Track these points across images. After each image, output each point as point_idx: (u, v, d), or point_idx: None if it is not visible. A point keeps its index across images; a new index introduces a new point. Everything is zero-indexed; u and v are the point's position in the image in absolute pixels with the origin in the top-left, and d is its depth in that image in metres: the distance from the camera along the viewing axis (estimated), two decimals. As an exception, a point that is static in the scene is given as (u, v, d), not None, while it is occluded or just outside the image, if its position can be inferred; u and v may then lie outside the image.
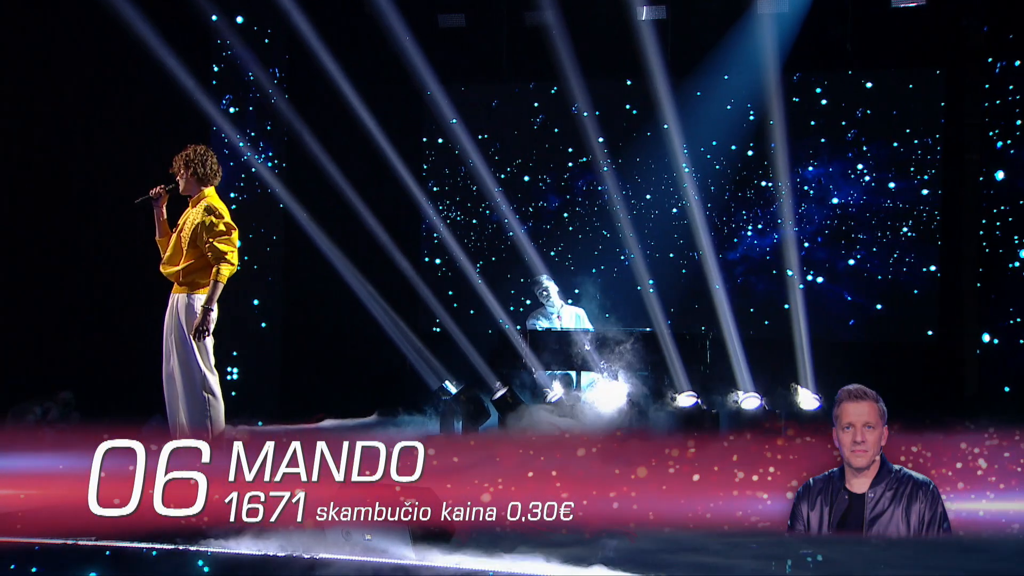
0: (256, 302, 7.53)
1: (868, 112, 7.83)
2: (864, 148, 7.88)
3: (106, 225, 5.80)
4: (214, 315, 4.34)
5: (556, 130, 8.47)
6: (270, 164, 7.49)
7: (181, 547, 3.29)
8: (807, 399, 5.35)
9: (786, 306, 7.31)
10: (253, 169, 7.50)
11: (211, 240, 4.32)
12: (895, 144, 7.80)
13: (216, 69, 7.34)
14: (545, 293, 6.47)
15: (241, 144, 7.41)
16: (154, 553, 3.27)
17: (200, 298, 4.35)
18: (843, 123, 7.91)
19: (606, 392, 5.52)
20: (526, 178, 8.57)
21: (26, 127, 5.69)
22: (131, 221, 4.89)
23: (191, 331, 4.29)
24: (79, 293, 5.90)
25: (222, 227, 4.36)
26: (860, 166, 7.91)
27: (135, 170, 4.66)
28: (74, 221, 5.87)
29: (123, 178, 4.78)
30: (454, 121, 7.86)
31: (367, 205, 7.32)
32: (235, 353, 7.29)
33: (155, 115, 6.27)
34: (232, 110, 7.38)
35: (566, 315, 6.63)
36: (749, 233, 8.20)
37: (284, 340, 7.63)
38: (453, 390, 5.95)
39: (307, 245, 7.35)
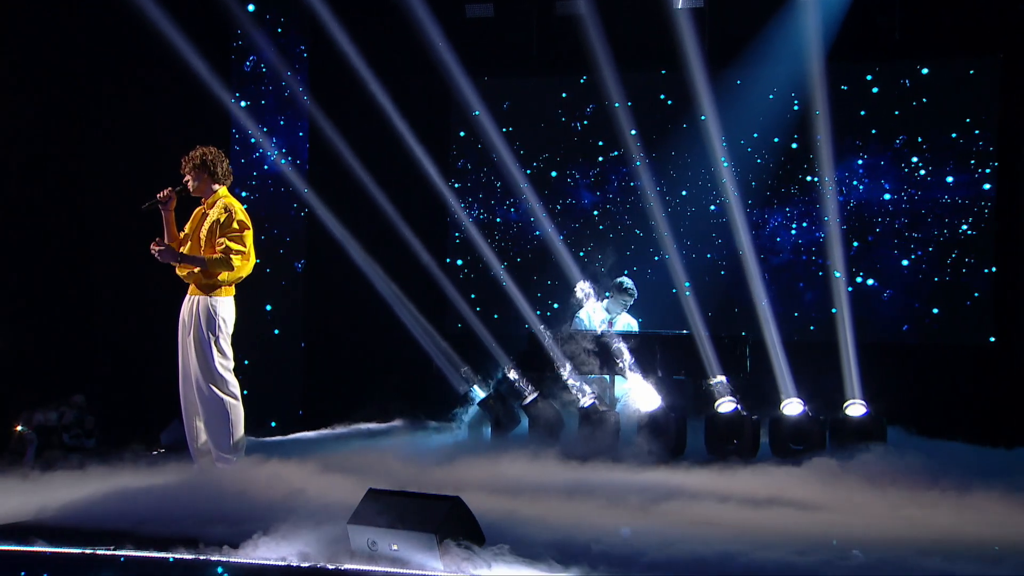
0: (269, 307, 7.68)
1: (923, 100, 7.79)
2: (919, 139, 7.83)
3: (116, 226, 5.98)
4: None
5: (585, 122, 8.56)
6: (284, 161, 7.64)
7: (201, 556, 3.44)
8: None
9: (833, 310, 7.32)
10: (266, 167, 7.68)
11: (223, 238, 4.56)
12: (953, 135, 7.76)
13: (232, 58, 7.50)
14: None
15: (253, 140, 7.59)
16: (171, 560, 3.41)
17: (219, 300, 4.56)
18: (896, 112, 7.88)
19: (641, 395, 5.63)
20: (554, 173, 8.67)
21: (37, 126, 5.89)
22: (141, 221, 5.07)
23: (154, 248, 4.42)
24: (93, 295, 6.10)
25: (235, 225, 4.60)
26: (914, 159, 7.87)
27: (146, 168, 4.85)
28: (84, 222, 6.07)
29: (135, 176, 4.97)
30: (476, 113, 7.99)
31: (390, 202, 7.44)
32: (247, 361, 7.47)
33: (165, 110, 6.45)
34: (244, 103, 7.53)
35: (618, 323, 6.79)
36: (793, 232, 8.22)
37: (305, 342, 7.74)
38: (481, 395, 6.08)
39: (328, 244, 7.47)
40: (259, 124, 7.50)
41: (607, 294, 7.01)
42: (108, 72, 6.32)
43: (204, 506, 3.89)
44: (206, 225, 4.65)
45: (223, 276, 4.55)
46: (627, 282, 6.93)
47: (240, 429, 4.63)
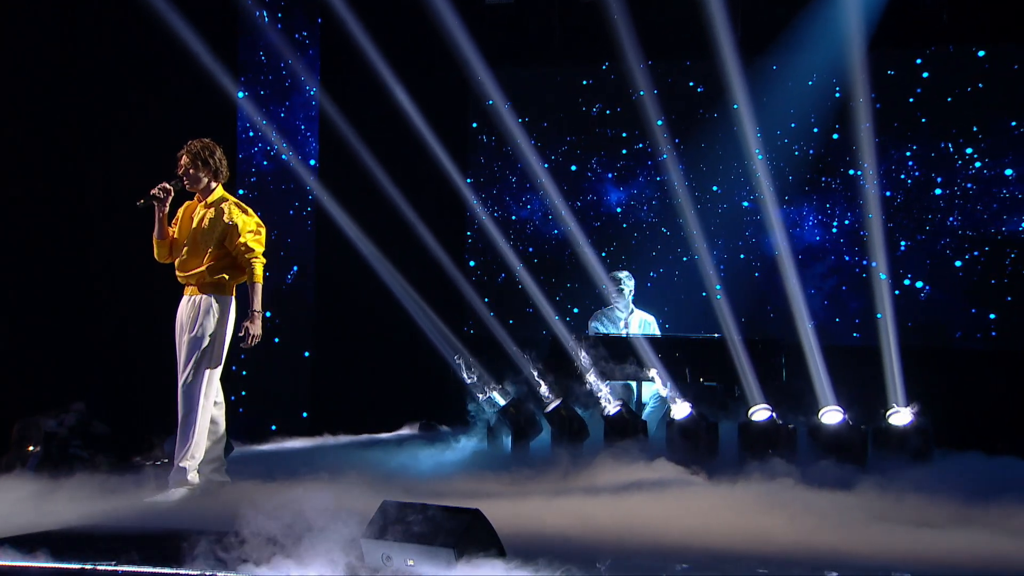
0: (268, 314, 7.86)
1: (979, 86, 7.87)
2: (974, 128, 7.92)
3: (117, 226, 6.15)
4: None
5: (607, 112, 8.72)
6: (285, 156, 7.79)
7: (207, 572, 3.62)
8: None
9: (878, 315, 7.42)
10: (265, 163, 7.87)
11: (243, 239, 4.77)
12: (1012, 123, 7.80)
13: (234, 46, 7.58)
14: (620, 291, 6.84)
15: (252, 134, 7.78)
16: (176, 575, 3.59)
17: (223, 300, 4.82)
18: (948, 99, 7.97)
19: (670, 402, 5.80)
20: (573, 167, 8.85)
21: (33, 122, 6.08)
22: (143, 220, 5.26)
23: (244, 337, 4.76)
24: (93, 298, 6.30)
25: (253, 225, 4.83)
26: (968, 150, 7.95)
27: (148, 164, 5.01)
28: (85, 222, 6.26)
29: (136, 173, 5.12)
30: (490, 102, 8.18)
31: (404, 198, 7.54)
32: (244, 372, 7.70)
33: (168, 104, 6.61)
34: (241, 94, 7.65)
35: (634, 321, 6.96)
36: (834, 229, 8.31)
37: (311, 347, 7.91)
38: (501, 402, 6.26)
39: (337, 243, 7.62)
40: (260, 117, 7.64)
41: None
42: (105, 64, 6.45)
43: (211, 520, 4.06)
44: (209, 224, 4.79)
45: (262, 271, 4.83)
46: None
47: (204, 438, 4.76)
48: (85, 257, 6.22)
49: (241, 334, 4.81)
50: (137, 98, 6.53)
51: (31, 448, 5.16)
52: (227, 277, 4.83)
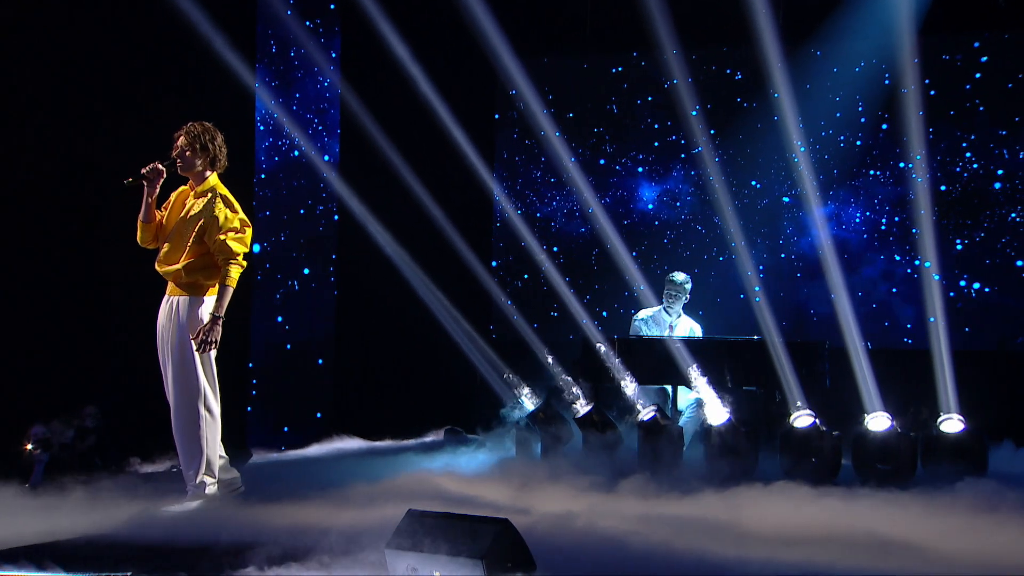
0: (280, 319, 8.05)
1: (1044, 71, 7.97)
2: (1036, 117, 8.00)
3: (129, 222, 6.33)
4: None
5: (638, 102, 8.85)
6: (296, 153, 7.95)
7: (227, 582, 3.79)
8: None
9: (931, 319, 7.47)
10: (276, 158, 8.03)
11: (223, 237, 4.73)
12: (1081, 111, 7.88)
13: (248, 36, 7.67)
14: (674, 297, 6.97)
15: (261, 128, 7.95)
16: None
17: (205, 300, 4.78)
18: (1009, 85, 8.02)
19: (706, 408, 5.92)
20: (602, 161, 8.98)
21: (39, 118, 6.27)
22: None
23: (197, 341, 4.70)
24: (104, 299, 6.49)
25: (237, 223, 4.79)
26: (1031, 140, 8.06)
27: (142, 153, 5.13)
28: (95, 216, 6.45)
29: (133, 162, 5.24)
30: (513, 92, 8.33)
31: (428, 194, 7.66)
32: (253, 381, 7.88)
33: (178, 94, 6.79)
34: (256, 84, 7.78)
35: (680, 327, 7.09)
36: (883, 226, 8.38)
37: (327, 352, 8.08)
38: (530, 407, 6.42)
39: (358, 241, 7.77)
40: (273, 110, 7.76)
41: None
42: (116, 53, 6.62)
43: (228, 532, 4.24)
44: (194, 216, 4.78)
45: (238, 276, 4.83)
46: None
47: (215, 449, 4.82)
48: (94, 255, 6.41)
49: (194, 336, 4.71)
50: (151, 89, 6.69)
51: (42, 454, 5.34)
52: (202, 279, 4.80)
